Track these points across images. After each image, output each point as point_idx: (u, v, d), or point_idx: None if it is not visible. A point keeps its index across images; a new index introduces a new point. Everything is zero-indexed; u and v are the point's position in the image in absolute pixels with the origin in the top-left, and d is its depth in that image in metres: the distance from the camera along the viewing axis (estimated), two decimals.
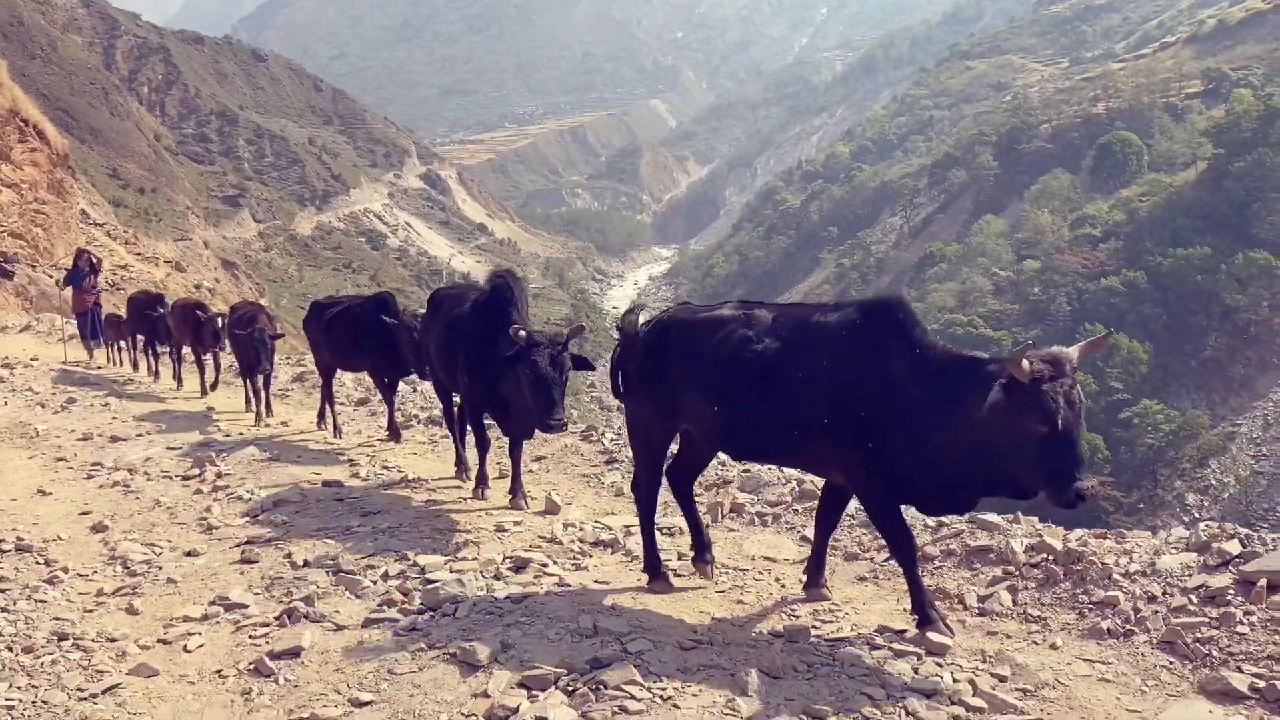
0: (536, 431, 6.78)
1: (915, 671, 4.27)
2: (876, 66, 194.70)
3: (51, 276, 25.39)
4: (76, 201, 32.54)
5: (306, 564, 6.05)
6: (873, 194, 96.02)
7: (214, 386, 13.56)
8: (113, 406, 12.42)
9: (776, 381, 4.75)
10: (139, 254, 36.00)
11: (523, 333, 6.30)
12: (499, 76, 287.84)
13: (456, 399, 8.39)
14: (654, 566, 5.49)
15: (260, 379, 11.31)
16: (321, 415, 10.81)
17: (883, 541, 5.84)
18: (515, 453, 7.36)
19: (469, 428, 8.28)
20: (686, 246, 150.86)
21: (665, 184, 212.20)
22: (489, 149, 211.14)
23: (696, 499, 7.11)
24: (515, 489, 7.26)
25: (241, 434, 10.60)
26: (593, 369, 7.08)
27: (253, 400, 11.56)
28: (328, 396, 10.76)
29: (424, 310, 9.16)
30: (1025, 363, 4.06)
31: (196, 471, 8.71)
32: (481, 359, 6.98)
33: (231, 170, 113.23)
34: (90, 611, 5.58)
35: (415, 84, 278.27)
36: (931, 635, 4.48)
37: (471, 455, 7.99)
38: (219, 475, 8.53)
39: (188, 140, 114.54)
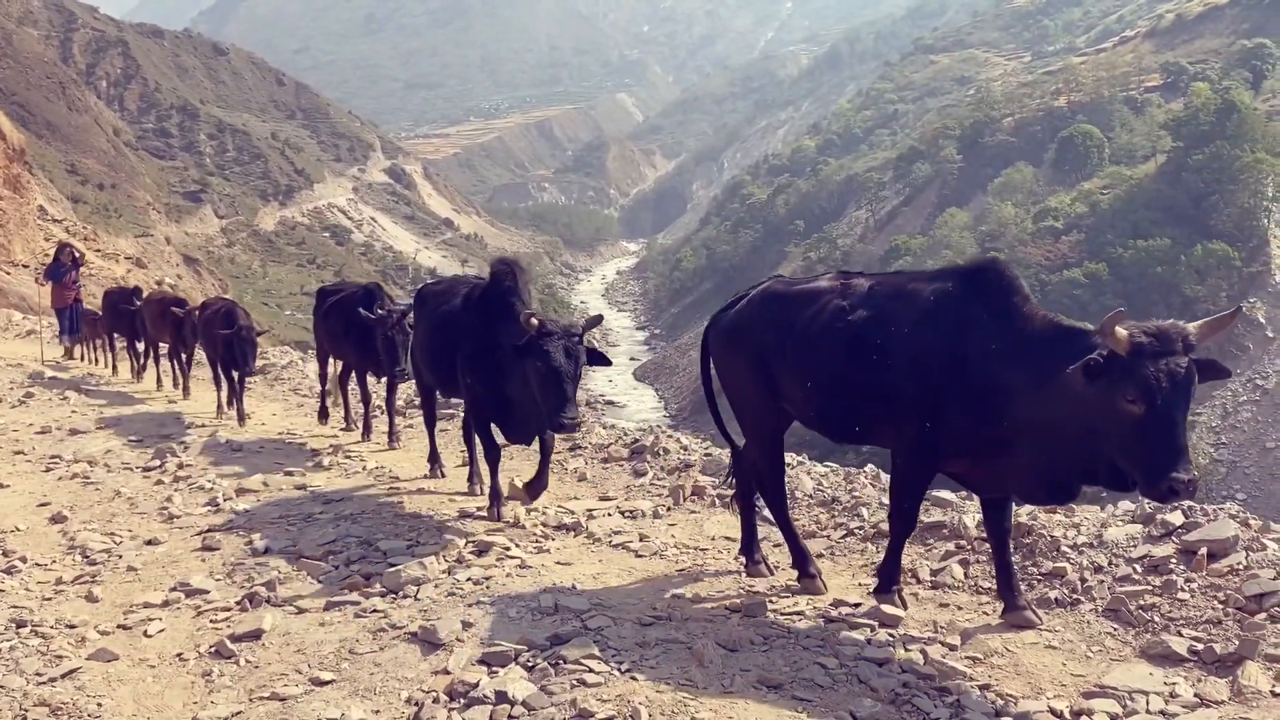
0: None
1: (868, 642, 4.36)
2: (841, 61, 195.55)
3: (9, 274, 25.05)
4: (34, 198, 32.04)
5: (268, 550, 6.06)
6: (838, 187, 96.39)
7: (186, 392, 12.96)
8: (72, 400, 12.30)
9: (870, 355, 4.47)
10: (99, 250, 35.52)
11: (535, 320, 5.66)
12: (464, 70, 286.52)
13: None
14: (803, 564, 5.11)
15: (236, 376, 10.88)
16: (347, 413, 10.52)
17: (840, 520, 5.96)
18: (492, 457, 6.67)
19: (432, 427, 8.15)
20: (654, 240, 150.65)
21: (632, 178, 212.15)
22: (454, 143, 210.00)
23: (659, 483, 7.23)
24: (495, 497, 6.60)
25: (203, 426, 10.56)
26: (609, 364, 6.34)
27: (230, 396, 11.15)
28: (323, 387, 10.58)
29: (396, 305, 8.98)
30: (1122, 331, 3.68)
31: (157, 463, 8.67)
32: (484, 355, 6.32)
33: (193, 165, 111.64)
34: (49, 599, 5.56)
35: (380, 78, 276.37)
36: (885, 606, 4.57)
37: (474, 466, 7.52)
38: (180, 466, 8.50)
39: (148, 135, 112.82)
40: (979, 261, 4.52)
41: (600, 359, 6.05)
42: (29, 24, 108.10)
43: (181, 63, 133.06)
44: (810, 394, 4.76)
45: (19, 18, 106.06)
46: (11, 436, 10.16)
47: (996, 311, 4.24)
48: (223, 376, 11.24)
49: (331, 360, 10.66)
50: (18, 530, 6.89)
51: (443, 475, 7.87)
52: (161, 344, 13.60)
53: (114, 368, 15.50)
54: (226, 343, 10.65)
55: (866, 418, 4.64)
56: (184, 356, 12.97)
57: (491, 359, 6.20)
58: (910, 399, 4.35)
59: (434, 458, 8.05)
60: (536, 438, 6.54)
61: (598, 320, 6.24)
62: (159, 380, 13.88)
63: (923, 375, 4.30)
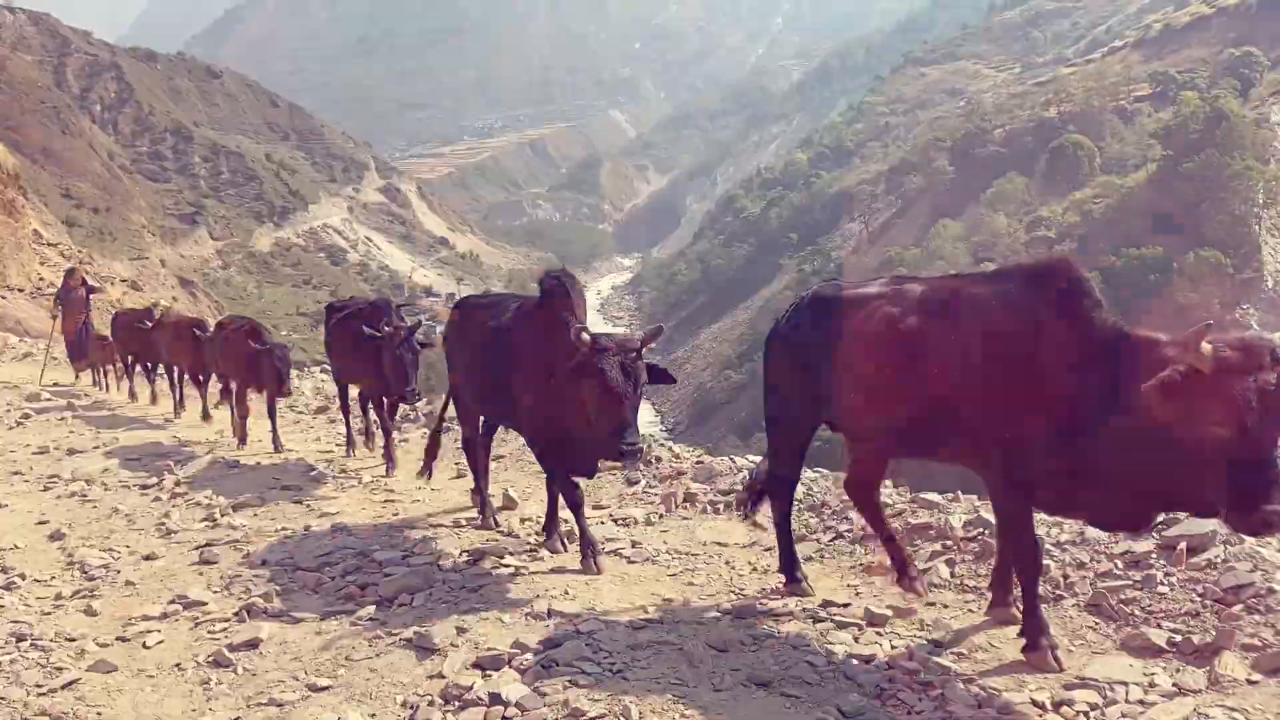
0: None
1: (856, 640, 4.45)
2: (833, 75, 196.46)
3: (5, 298, 25.16)
4: (28, 222, 32.13)
5: (265, 562, 6.12)
6: (831, 200, 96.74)
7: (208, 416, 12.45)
8: (69, 421, 12.36)
9: (924, 364, 4.24)
10: (94, 273, 35.58)
11: (586, 336, 5.07)
12: (457, 90, 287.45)
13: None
14: (789, 570, 5.12)
15: (268, 398, 10.24)
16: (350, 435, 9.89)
17: (830, 524, 6.03)
18: (555, 490, 6.07)
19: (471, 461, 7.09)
20: (649, 255, 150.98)
21: (626, 194, 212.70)
22: (449, 162, 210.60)
23: (651, 491, 7.30)
24: (550, 529, 6.13)
25: (200, 444, 10.62)
26: (673, 381, 5.61)
27: (239, 424, 10.63)
28: (347, 422, 9.93)
29: (401, 322, 8.59)
30: (1207, 346, 3.37)
31: (155, 480, 8.72)
32: (540, 379, 5.63)
33: (187, 188, 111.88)
34: (48, 614, 5.61)
35: (373, 98, 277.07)
36: (1034, 661, 4.10)
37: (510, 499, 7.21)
38: (177, 483, 8.56)
39: (142, 158, 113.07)
40: (1047, 261, 4.22)
41: (664, 376, 5.35)
42: (22, 49, 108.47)
43: (175, 86, 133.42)
44: (862, 405, 4.61)
45: (12, 43, 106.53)
46: (9, 457, 10.20)
47: (1066, 316, 3.93)
48: (240, 397, 10.71)
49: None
50: (16, 548, 6.93)
51: (496, 524, 6.80)
52: (177, 366, 13.29)
53: (131, 392, 15.43)
54: (251, 362, 10.07)
55: (926, 432, 4.39)
56: (200, 378, 12.65)
57: (547, 383, 5.52)
58: (980, 415, 4.07)
59: (482, 502, 6.93)
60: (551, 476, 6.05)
61: (658, 332, 5.58)
62: (153, 398, 13.96)
63: (988, 387, 4.04)
